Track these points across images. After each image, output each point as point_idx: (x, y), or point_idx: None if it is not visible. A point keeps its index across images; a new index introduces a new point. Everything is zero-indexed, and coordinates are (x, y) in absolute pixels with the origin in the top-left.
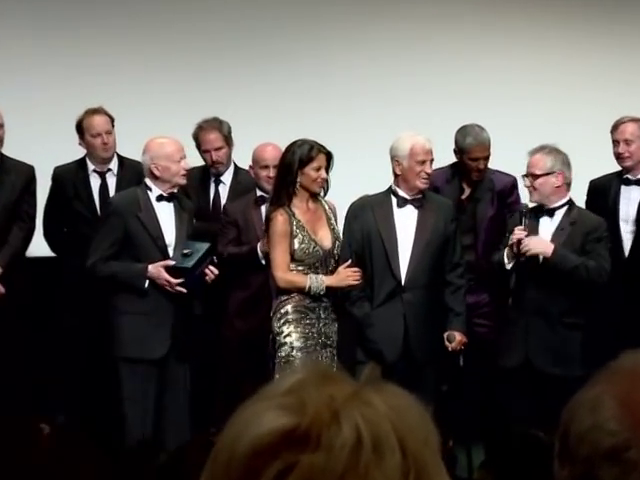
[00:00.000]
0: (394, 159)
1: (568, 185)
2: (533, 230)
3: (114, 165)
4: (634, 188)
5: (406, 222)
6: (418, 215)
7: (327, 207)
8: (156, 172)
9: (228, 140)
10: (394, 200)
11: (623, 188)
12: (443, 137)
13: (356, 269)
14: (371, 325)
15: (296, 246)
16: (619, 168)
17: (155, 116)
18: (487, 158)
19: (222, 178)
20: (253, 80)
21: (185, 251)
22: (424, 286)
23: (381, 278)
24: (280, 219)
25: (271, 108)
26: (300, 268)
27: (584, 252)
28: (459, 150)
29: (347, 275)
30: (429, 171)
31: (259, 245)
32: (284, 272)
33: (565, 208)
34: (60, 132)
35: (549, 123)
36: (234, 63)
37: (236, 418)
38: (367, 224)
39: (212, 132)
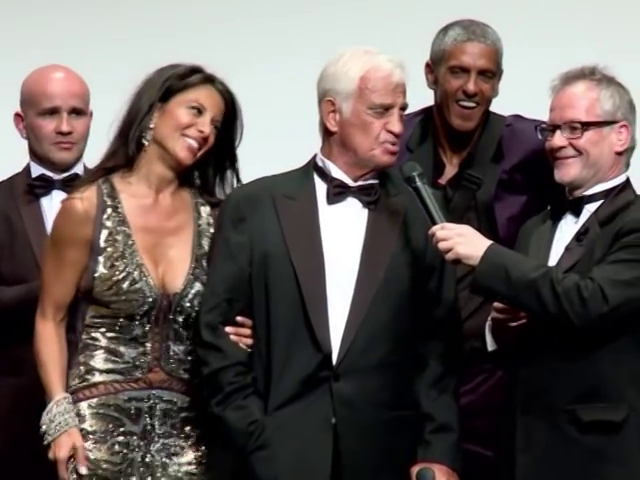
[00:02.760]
0: (325, 99)
1: (630, 152)
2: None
3: None
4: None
5: (345, 235)
6: (370, 220)
7: (205, 214)
8: None
9: None
10: (320, 187)
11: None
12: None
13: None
14: (265, 447)
15: (98, 271)
16: None
17: None
18: (489, 75)
19: None
20: None
21: None
22: (377, 368)
23: (289, 349)
24: (76, 209)
25: None
26: (105, 322)
27: None
28: (434, 61)
29: None
30: (397, 129)
31: None
32: (45, 322)
33: (602, 200)
34: None
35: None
36: None
37: None
38: (263, 236)
39: None
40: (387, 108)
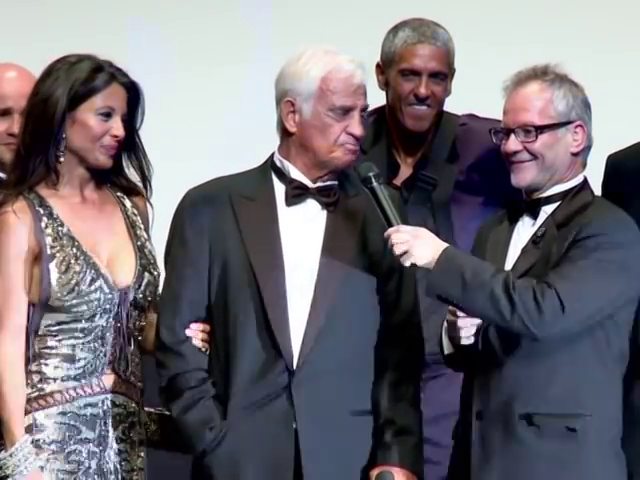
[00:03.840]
0: (285, 99)
1: (586, 152)
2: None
3: None
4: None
5: (304, 237)
6: (329, 222)
7: (129, 205)
8: None
9: None
10: (279, 188)
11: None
12: None
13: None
14: (225, 453)
15: (53, 278)
16: None
17: None
18: (440, 77)
19: None
20: None
21: None
22: (337, 372)
23: (249, 353)
24: (12, 221)
25: None
26: (64, 328)
27: None
28: (385, 61)
29: None
30: (358, 132)
31: None
32: (7, 340)
33: (560, 201)
34: None
35: None
36: None
37: None
38: (221, 238)
39: None
40: (348, 110)
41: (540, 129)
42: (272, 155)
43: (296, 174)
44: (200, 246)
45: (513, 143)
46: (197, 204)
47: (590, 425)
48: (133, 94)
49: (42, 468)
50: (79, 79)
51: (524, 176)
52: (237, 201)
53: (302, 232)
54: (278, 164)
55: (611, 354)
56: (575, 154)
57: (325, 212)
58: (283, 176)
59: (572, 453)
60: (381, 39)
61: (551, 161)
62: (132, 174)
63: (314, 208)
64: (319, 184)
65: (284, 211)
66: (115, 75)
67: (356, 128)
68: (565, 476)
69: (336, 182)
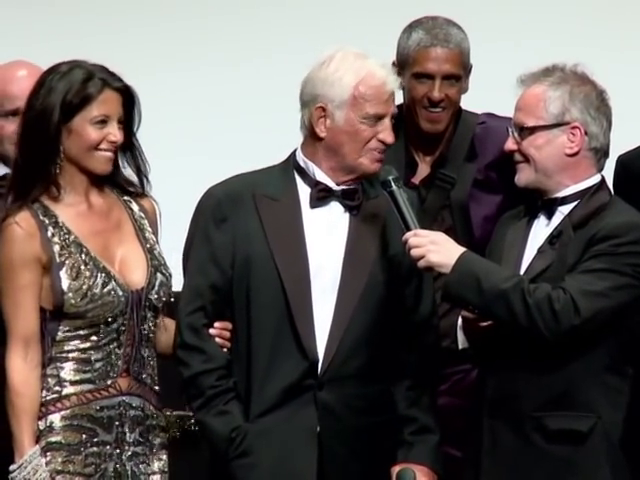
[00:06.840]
0: (316, 105)
1: (596, 153)
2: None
3: None
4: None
5: (327, 239)
6: (352, 225)
7: (136, 209)
8: None
9: None
10: (302, 189)
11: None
12: None
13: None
14: (248, 454)
15: (65, 285)
16: None
17: None
18: (455, 79)
19: None
20: None
21: None
22: (360, 375)
23: (273, 355)
24: (16, 232)
25: None
26: (80, 334)
27: None
28: (400, 62)
29: None
30: (390, 140)
31: None
32: (18, 352)
33: (577, 201)
34: None
35: None
36: None
37: None
38: (245, 238)
39: None
40: (381, 117)
41: (529, 130)
42: (294, 154)
43: (321, 176)
44: (224, 244)
45: (510, 142)
46: (221, 203)
47: (599, 428)
48: (128, 97)
49: (58, 472)
50: (71, 90)
51: (519, 177)
52: (261, 200)
53: (326, 235)
54: (302, 164)
55: (622, 357)
56: (571, 155)
57: (348, 215)
58: (307, 177)
59: (581, 456)
60: (396, 36)
61: (542, 162)
62: (129, 173)
63: (338, 211)
64: (343, 187)
65: (308, 213)
66: (107, 81)
67: (388, 135)
68: (573, 478)
69: (359, 185)
